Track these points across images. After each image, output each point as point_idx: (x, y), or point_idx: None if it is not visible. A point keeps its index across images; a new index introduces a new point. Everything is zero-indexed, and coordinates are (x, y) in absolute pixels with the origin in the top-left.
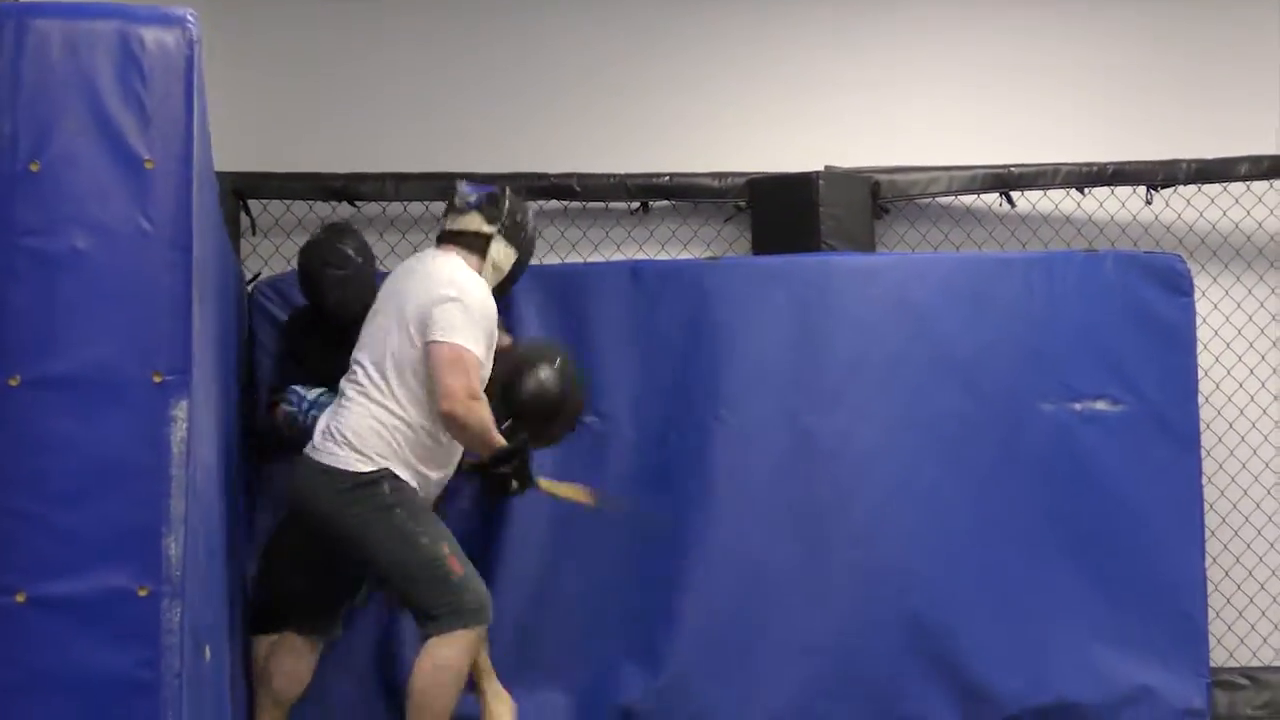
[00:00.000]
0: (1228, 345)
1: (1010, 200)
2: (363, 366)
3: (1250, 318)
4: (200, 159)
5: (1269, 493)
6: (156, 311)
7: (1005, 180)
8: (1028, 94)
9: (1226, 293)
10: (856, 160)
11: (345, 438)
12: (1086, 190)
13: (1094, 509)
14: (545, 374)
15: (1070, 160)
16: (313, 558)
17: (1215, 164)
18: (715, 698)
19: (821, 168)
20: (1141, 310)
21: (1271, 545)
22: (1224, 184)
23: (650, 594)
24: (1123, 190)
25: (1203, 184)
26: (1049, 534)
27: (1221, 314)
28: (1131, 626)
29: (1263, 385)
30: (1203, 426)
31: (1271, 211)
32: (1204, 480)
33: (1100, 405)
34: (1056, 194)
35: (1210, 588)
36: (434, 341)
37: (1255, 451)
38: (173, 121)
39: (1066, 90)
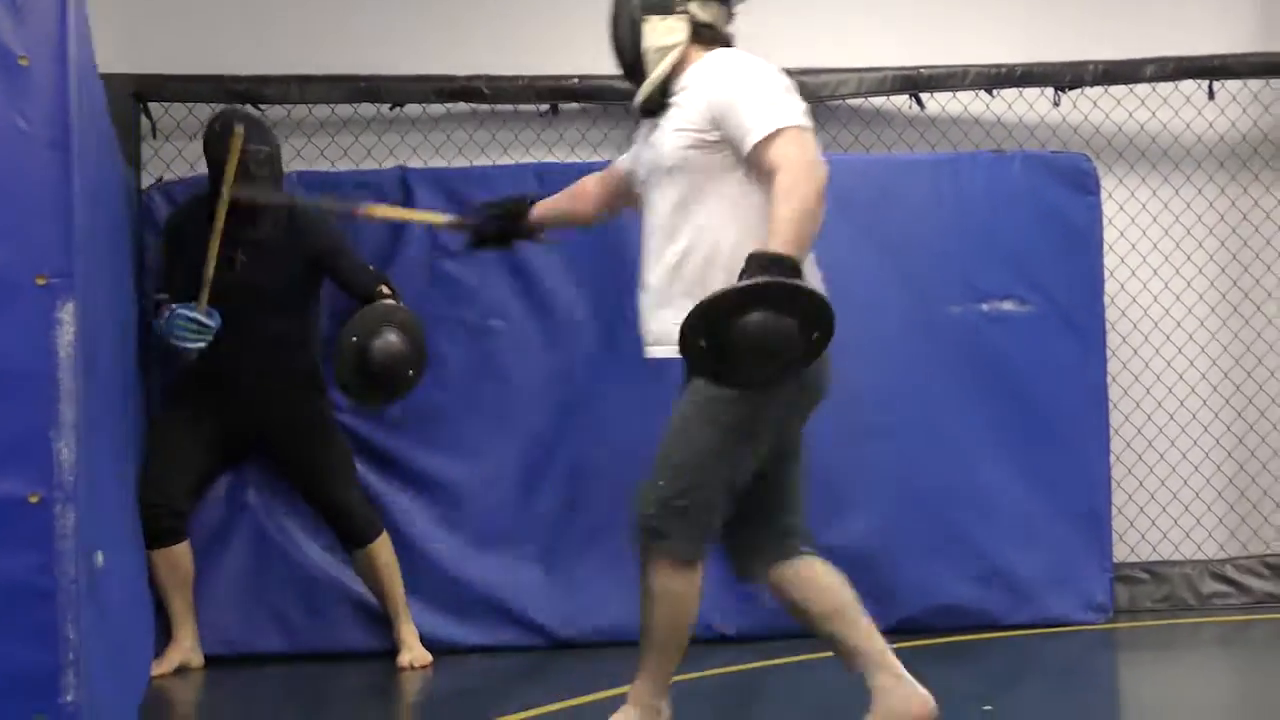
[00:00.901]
0: (1133, 246)
1: (919, 102)
2: None
3: (1154, 219)
4: (78, 57)
5: (1170, 391)
6: (37, 213)
7: (914, 82)
8: None
9: (1132, 194)
10: (768, 60)
11: None
12: (995, 92)
13: (1001, 409)
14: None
15: (979, 62)
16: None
17: (1122, 65)
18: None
19: None
20: (1049, 211)
21: (1172, 442)
22: (1130, 85)
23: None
24: (1030, 92)
25: (1109, 85)
26: (957, 433)
27: (1127, 215)
28: (1038, 523)
29: (1165, 285)
30: (1108, 326)
31: (1176, 113)
32: (1108, 379)
33: (1007, 305)
34: (965, 96)
35: (1113, 485)
36: None
37: (1158, 351)
38: (47, 18)
39: None
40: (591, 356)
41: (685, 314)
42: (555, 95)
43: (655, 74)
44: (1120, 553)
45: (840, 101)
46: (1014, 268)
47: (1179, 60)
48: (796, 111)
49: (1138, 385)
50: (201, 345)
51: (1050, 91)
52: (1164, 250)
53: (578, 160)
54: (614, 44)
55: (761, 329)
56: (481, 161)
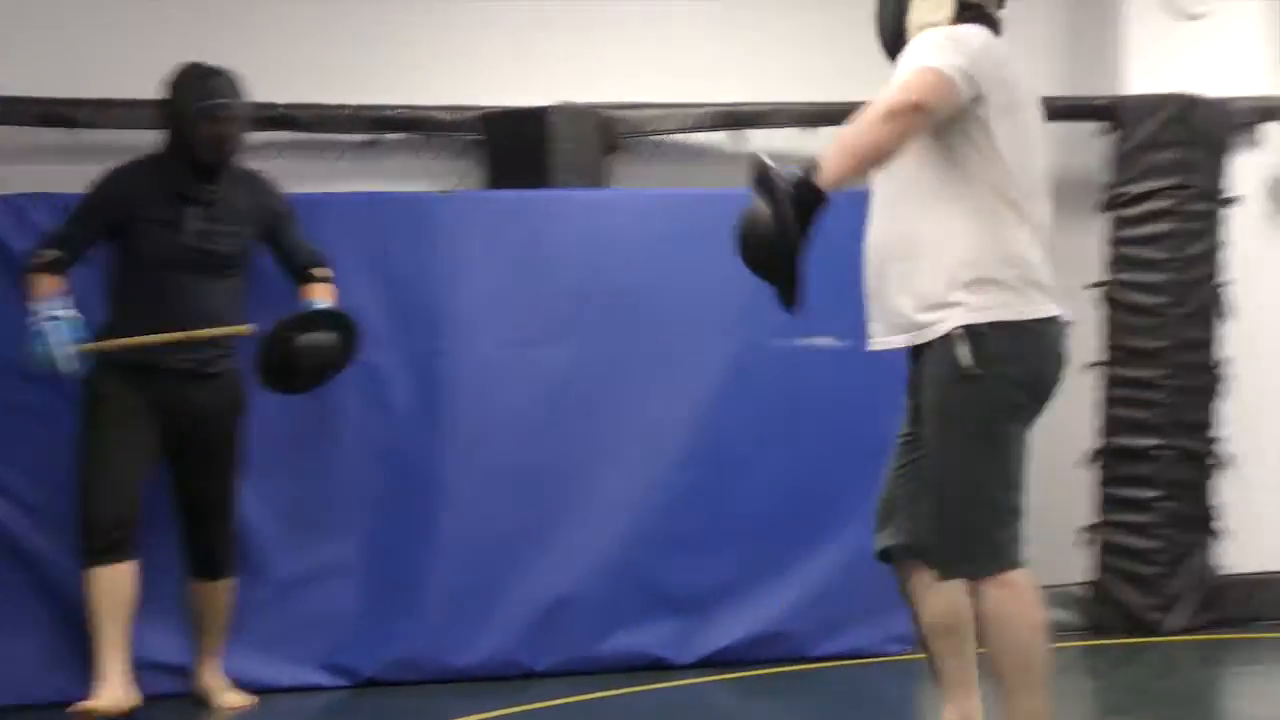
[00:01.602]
0: None
1: (740, 138)
2: None
3: None
4: None
5: None
6: None
7: (736, 118)
8: (757, 33)
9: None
10: (590, 96)
11: None
12: (813, 128)
13: (816, 443)
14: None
15: (797, 99)
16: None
17: None
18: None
19: (555, 103)
20: (860, 245)
21: None
22: None
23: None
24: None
25: None
26: (773, 466)
27: None
28: (845, 556)
29: None
30: None
31: None
32: None
33: (824, 340)
34: (786, 132)
35: None
36: None
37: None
38: None
39: (794, 29)
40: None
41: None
42: (377, 125)
43: None
44: None
45: (663, 137)
46: (831, 303)
47: None
48: (943, 57)
49: None
50: (53, 369)
51: None
52: None
53: (400, 190)
54: (877, 20)
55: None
56: (301, 191)
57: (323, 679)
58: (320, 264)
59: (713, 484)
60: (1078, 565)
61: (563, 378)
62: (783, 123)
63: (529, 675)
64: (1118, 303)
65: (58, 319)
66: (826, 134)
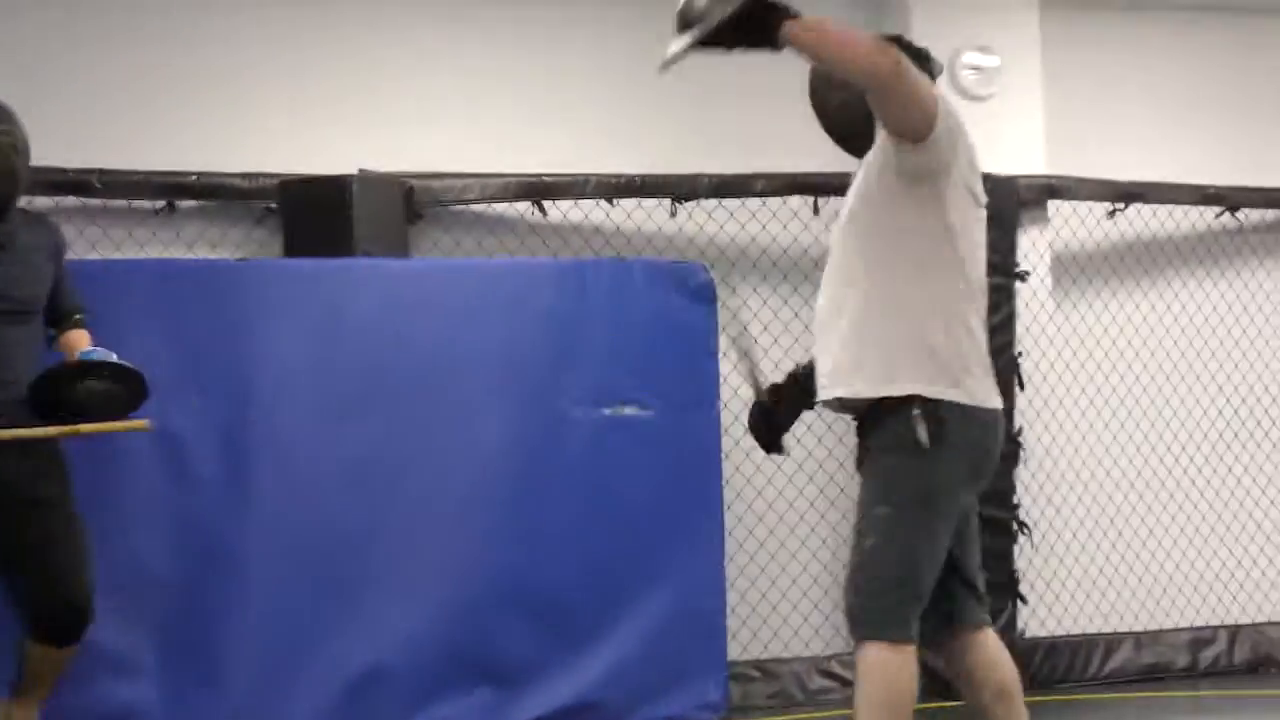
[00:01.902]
0: (744, 353)
1: (542, 209)
2: None
3: (765, 327)
4: None
5: (780, 493)
6: None
7: (537, 189)
8: (560, 105)
9: (744, 303)
10: (391, 165)
11: None
12: (615, 201)
13: (620, 510)
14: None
15: (599, 171)
16: None
17: (734, 179)
18: None
19: (355, 171)
20: (667, 317)
21: (782, 543)
22: (743, 198)
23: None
24: (649, 202)
25: (723, 198)
26: (578, 534)
27: (739, 323)
28: (655, 625)
29: None
30: (722, 431)
31: (785, 226)
32: (724, 482)
33: (629, 410)
34: (587, 204)
35: (728, 585)
36: None
37: (768, 455)
38: None
39: (597, 103)
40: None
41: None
42: (172, 191)
43: None
44: (734, 651)
45: (464, 207)
46: (635, 373)
47: (787, 176)
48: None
49: (749, 488)
50: None
51: (667, 202)
52: (774, 358)
53: (195, 258)
54: (833, 111)
55: None
56: (93, 258)
57: None
58: (83, 309)
59: (521, 554)
60: None
61: (367, 448)
62: (586, 194)
63: None
64: None
65: None
66: (629, 205)
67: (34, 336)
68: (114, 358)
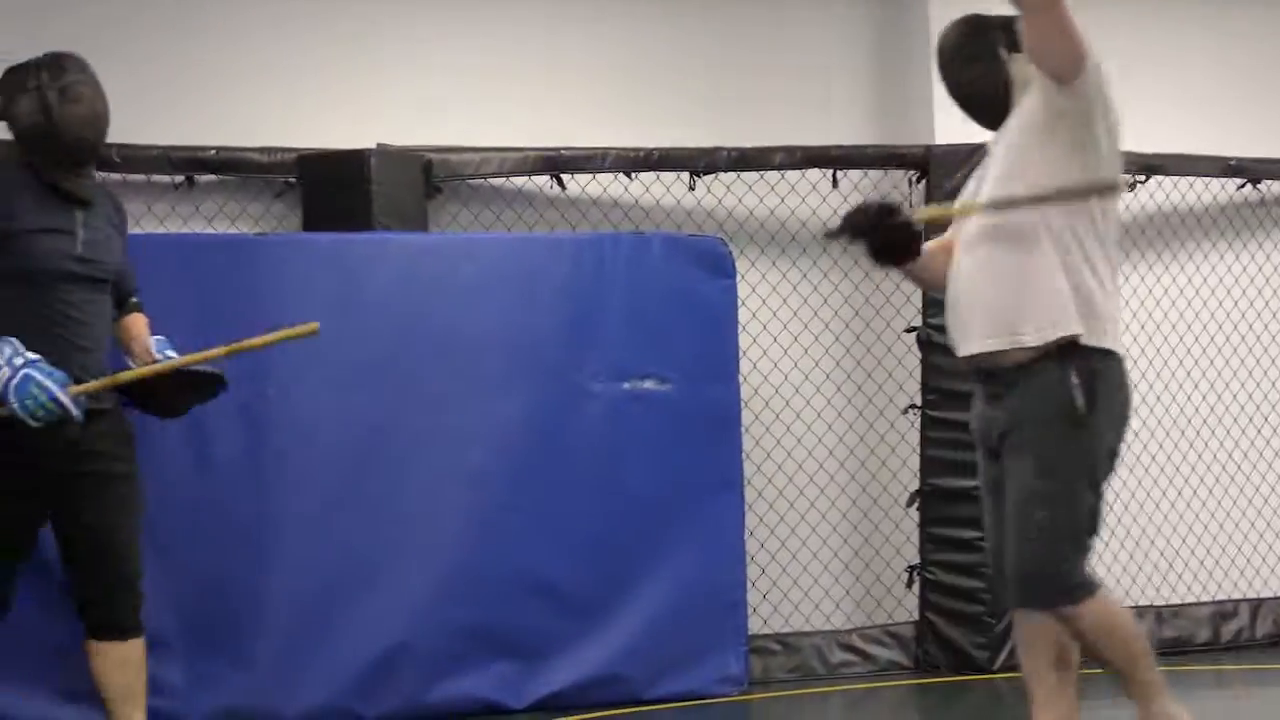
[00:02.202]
0: (764, 327)
1: (561, 183)
2: None
3: (784, 301)
4: None
5: (800, 467)
6: None
7: (556, 163)
8: (578, 78)
9: (763, 276)
10: (409, 139)
11: None
12: (634, 174)
13: (640, 484)
14: None
15: (617, 145)
16: None
17: (753, 152)
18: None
19: (374, 145)
20: (686, 291)
21: (802, 517)
22: (761, 172)
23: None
24: (667, 176)
25: (741, 171)
26: (601, 510)
27: (759, 297)
28: (676, 598)
29: (795, 365)
30: (742, 404)
31: (804, 199)
32: (743, 456)
33: (648, 384)
34: (605, 178)
35: (748, 559)
36: None
37: (789, 428)
38: None
39: (615, 76)
40: None
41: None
42: (191, 166)
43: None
44: (754, 625)
45: (483, 181)
46: (653, 347)
47: (806, 149)
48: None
49: (769, 462)
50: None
51: (686, 176)
52: (793, 331)
53: (214, 232)
54: (969, 86)
55: None
56: None
57: None
58: (137, 290)
59: (540, 527)
60: (905, 605)
61: (384, 422)
62: (604, 168)
63: None
64: (934, 346)
65: (33, 360)
66: (647, 179)
67: (110, 308)
68: (175, 355)
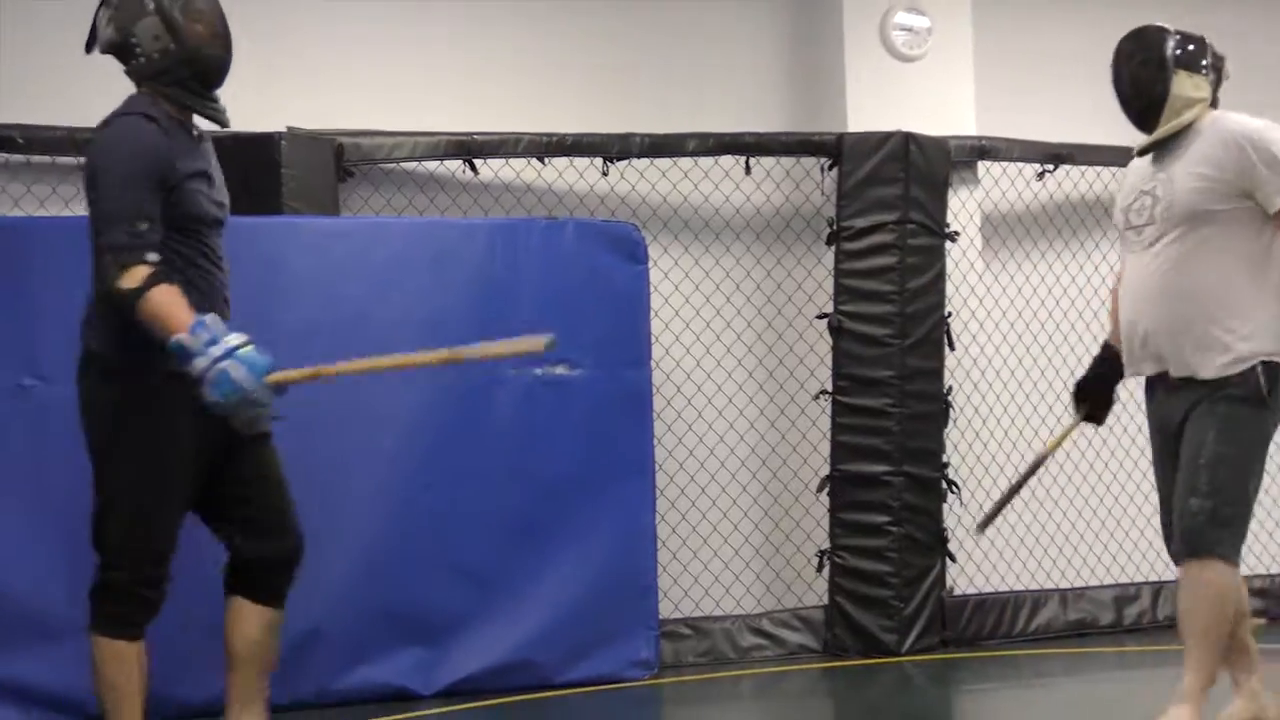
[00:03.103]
0: (676, 313)
1: (473, 167)
2: None
3: (697, 286)
4: None
5: (712, 452)
6: None
7: (468, 147)
8: (491, 63)
9: (676, 262)
10: (320, 122)
11: None
12: (547, 160)
13: (554, 471)
14: None
15: (531, 130)
16: None
17: (667, 139)
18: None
19: (284, 129)
20: (599, 277)
21: (714, 502)
22: (675, 158)
23: None
24: (581, 161)
25: (655, 158)
26: (513, 495)
27: (671, 282)
28: (586, 584)
29: (707, 351)
30: (654, 390)
31: (717, 186)
32: (654, 441)
33: (560, 370)
34: (518, 163)
35: (659, 544)
36: None
37: (700, 414)
38: None
39: (529, 61)
40: None
41: (1206, 345)
42: None
43: (1180, 120)
44: (665, 609)
45: (395, 165)
46: (566, 332)
47: (719, 136)
48: None
49: (681, 447)
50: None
51: (599, 162)
52: (706, 317)
53: (21, 214)
54: (1135, 90)
55: None
56: (16, 214)
57: None
58: None
59: (450, 513)
60: (815, 589)
61: (297, 408)
62: (517, 153)
63: (274, 709)
64: (846, 333)
65: (234, 349)
66: (561, 164)
67: None
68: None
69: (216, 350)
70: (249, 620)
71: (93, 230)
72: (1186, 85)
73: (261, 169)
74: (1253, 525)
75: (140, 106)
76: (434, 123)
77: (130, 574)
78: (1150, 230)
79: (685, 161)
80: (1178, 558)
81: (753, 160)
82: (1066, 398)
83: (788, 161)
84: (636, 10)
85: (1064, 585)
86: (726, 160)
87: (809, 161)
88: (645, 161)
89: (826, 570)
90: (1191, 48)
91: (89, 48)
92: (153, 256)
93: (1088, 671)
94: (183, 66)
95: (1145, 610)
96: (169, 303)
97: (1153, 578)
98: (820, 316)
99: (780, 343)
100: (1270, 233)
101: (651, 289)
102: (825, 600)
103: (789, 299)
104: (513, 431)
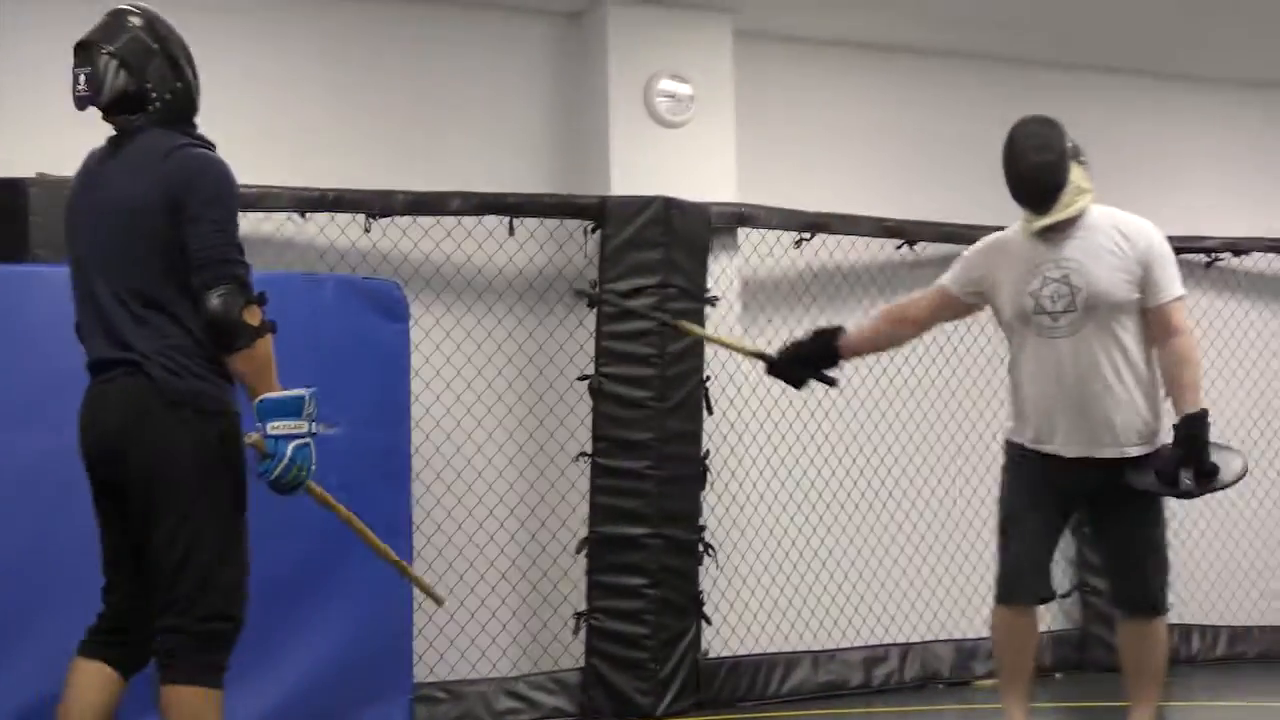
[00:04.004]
0: (437, 372)
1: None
2: None
3: (459, 346)
4: None
5: (470, 513)
6: None
7: None
8: (251, 114)
9: (437, 321)
10: (70, 168)
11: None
12: (307, 215)
13: (309, 531)
14: None
15: (292, 184)
16: None
17: (429, 197)
18: None
19: (33, 174)
20: (359, 335)
21: (471, 564)
22: (438, 216)
23: None
24: (343, 217)
25: (418, 216)
26: (266, 555)
27: (432, 341)
28: (340, 646)
29: (468, 411)
30: (413, 450)
31: (480, 245)
32: (413, 503)
33: (318, 428)
34: (278, 217)
35: (415, 606)
36: None
37: (459, 475)
38: None
39: (291, 114)
40: None
41: (1130, 424)
42: None
43: (1075, 208)
44: (420, 673)
45: None
46: (325, 390)
47: (483, 196)
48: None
49: (440, 508)
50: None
51: (361, 218)
52: (467, 377)
53: None
54: (1036, 175)
55: (1243, 472)
56: None
57: None
58: None
59: None
60: (572, 651)
61: (37, 463)
62: (277, 207)
63: None
64: (606, 395)
65: (313, 419)
66: (321, 220)
67: None
68: None
69: (307, 427)
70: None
71: (208, 254)
72: (1079, 175)
73: (9, 216)
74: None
75: (199, 140)
76: None
77: (240, 621)
78: (1069, 318)
79: (448, 220)
80: (1136, 613)
81: (516, 221)
82: (819, 460)
83: (551, 223)
84: (402, 68)
85: (816, 647)
86: (490, 220)
87: (572, 224)
88: (408, 219)
89: (583, 632)
90: (1076, 142)
91: (88, 103)
92: (261, 294)
93: None
94: (188, 106)
95: (894, 671)
96: (263, 355)
97: (900, 639)
98: (581, 378)
99: (541, 404)
100: (1145, 325)
101: (413, 348)
102: (582, 663)
103: (550, 360)
104: (267, 489)
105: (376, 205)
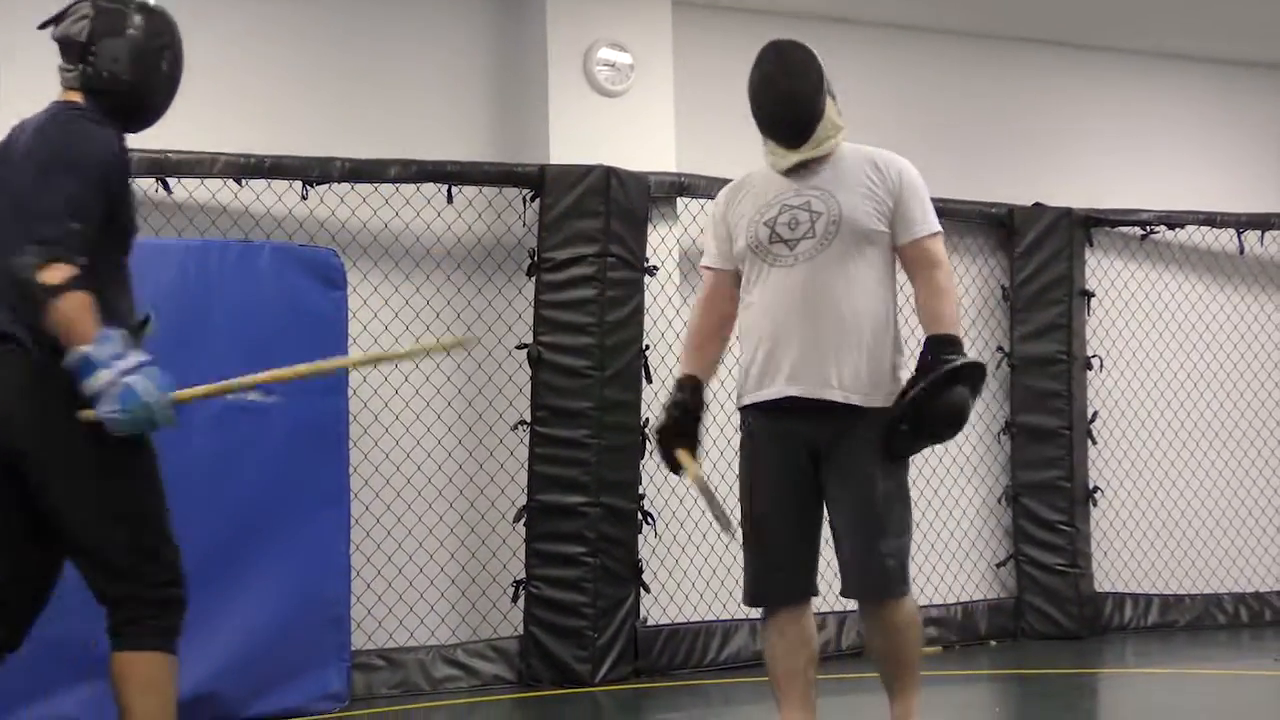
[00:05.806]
0: (375, 340)
1: (167, 186)
2: None
3: (397, 314)
4: None
5: (409, 481)
6: None
7: (162, 166)
8: (187, 81)
9: (375, 289)
10: None
11: None
12: (244, 181)
13: (246, 499)
14: None
15: (228, 150)
16: None
17: (368, 164)
18: None
19: None
20: (296, 302)
21: (409, 531)
22: (375, 184)
23: None
24: (279, 184)
25: (356, 183)
26: (203, 523)
27: (370, 309)
28: (277, 614)
29: (406, 379)
30: (350, 418)
31: (419, 213)
32: (350, 470)
33: (254, 396)
34: (214, 183)
35: (353, 573)
36: None
37: (398, 442)
38: None
39: (225, 81)
40: None
41: (861, 369)
42: None
43: (829, 144)
44: (358, 640)
45: None
46: (261, 358)
47: (421, 164)
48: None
49: (378, 476)
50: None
51: (299, 185)
52: (405, 344)
53: None
54: (792, 103)
55: (965, 402)
56: None
57: None
58: None
59: None
60: (510, 619)
61: None
62: (213, 173)
63: None
64: (545, 364)
65: (139, 365)
66: (258, 186)
67: None
68: None
69: (123, 364)
70: None
71: (20, 217)
72: (832, 110)
73: None
74: (946, 559)
75: (95, 115)
76: (127, 139)
77: (181, 581)
78: (806, 244)
79: (387, 188)
80: (870, 599)
81: (455, 189)
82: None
83: (490, 191)
84: (341, 34)
85: (753, 616)
86: (428, 188)
87: (511, 192)
88: (346, 186)
89: (522, 600)
90: (828, 77)
91: (46, 24)
92: (81, 260)
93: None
94: (120, 99)
95: (830, 639)
96: (75, 310)
97: (838, 608)
98: (520, 347)
99: (479, 372)
100: (889, 273)
101: (350, 315)
102: (520, 631)
103: (489, 328)
104: (205, 458)
105: (314, 172)
